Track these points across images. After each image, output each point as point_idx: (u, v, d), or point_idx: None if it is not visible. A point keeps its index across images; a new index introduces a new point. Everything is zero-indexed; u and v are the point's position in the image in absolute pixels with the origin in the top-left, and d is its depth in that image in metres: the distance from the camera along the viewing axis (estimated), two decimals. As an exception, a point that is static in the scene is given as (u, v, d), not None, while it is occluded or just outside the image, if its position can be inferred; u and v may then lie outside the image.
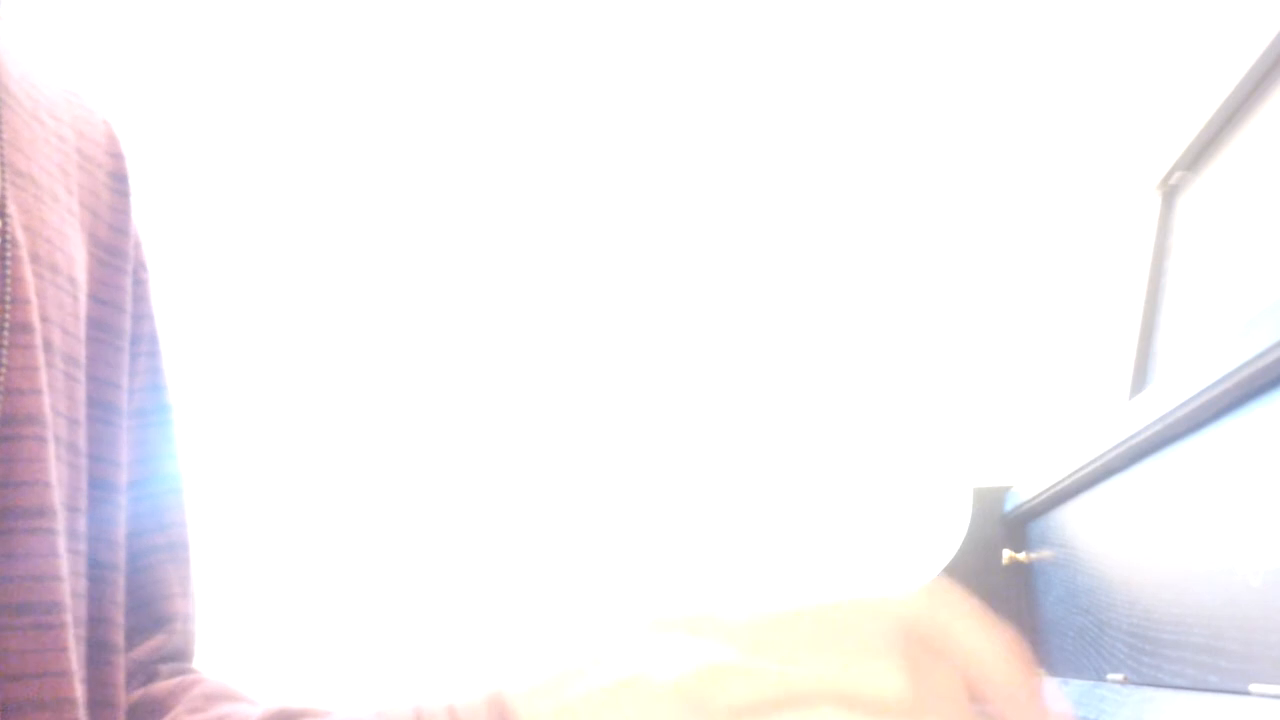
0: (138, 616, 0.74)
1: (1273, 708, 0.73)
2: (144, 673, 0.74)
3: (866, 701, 0.47)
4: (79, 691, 0.64)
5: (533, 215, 2.37)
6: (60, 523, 0.64)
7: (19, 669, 0.61)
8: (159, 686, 0.73)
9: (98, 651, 0.69)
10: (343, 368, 2.34)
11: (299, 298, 2.35)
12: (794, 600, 0.49)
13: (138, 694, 0.73)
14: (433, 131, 2.37)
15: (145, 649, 0.74)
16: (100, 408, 0.71)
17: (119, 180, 0.76)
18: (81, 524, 0.68)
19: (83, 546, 0.68)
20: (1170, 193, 1.48)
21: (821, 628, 0.48)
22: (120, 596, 0.71)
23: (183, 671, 0.75)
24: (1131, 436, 0.98)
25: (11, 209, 0.66)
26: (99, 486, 0.70)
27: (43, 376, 0.65)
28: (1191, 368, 0.85)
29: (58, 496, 0.65)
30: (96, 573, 0.70)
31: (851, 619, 0.48)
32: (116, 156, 0.76)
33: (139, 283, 0.76)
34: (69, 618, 0.64)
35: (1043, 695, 0.49)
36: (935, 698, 0.47)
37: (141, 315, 0.76)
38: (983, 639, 0.49)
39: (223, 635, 2.18)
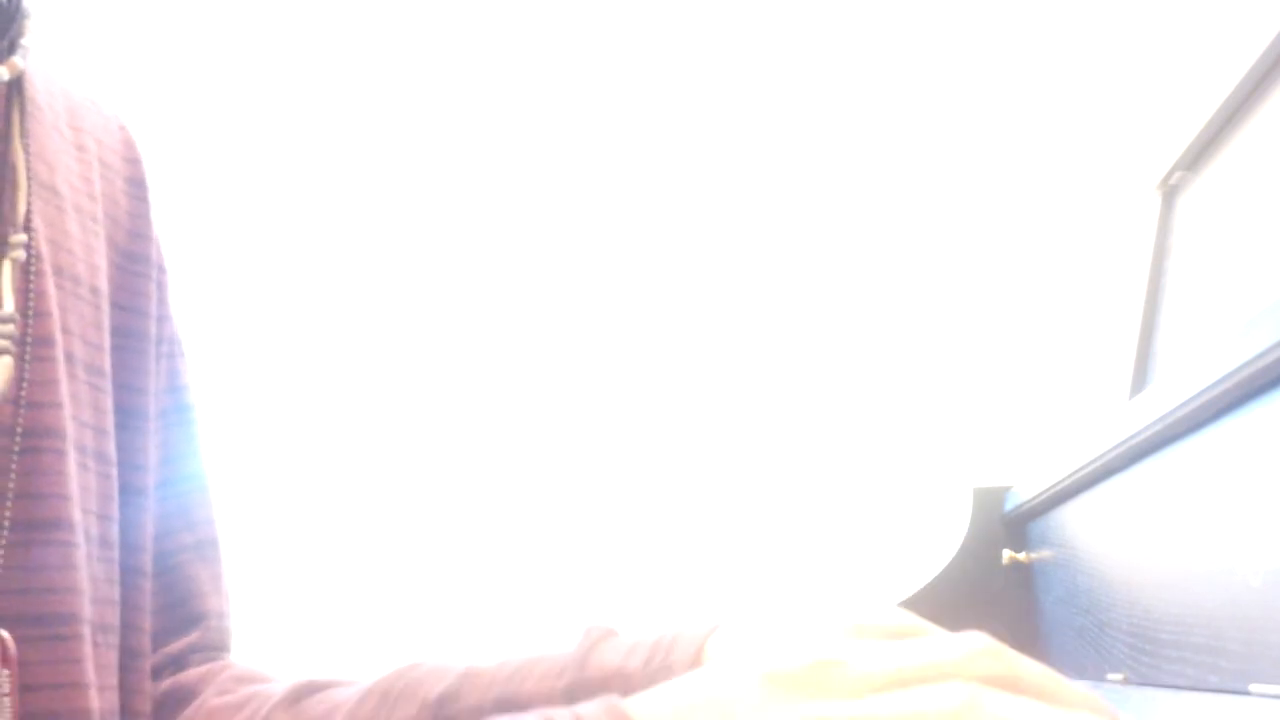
0: (171, 615, 0.75)
1: (1273, 708, 0.73)
2: (175, 664, 0.75)
3: None
4: (95, 702, 0.64)
5: (535, 217, 2.37)
6: (79, 535, 0.65)
7: (37, 679, 0.62)
8: (188, 674, 0.74)
9: (127, 659, 0.70)
10: (355, 366, 2.34)
11: (310, 297, 2.35)
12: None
13: (167, 683, 0.74)
14: (441, 135, 2.37)
15: (179, 645, 0.75)
16: (125, 414, 0.72)
17: (137, 185, 0.76)
18: (113, 532, 0.69)
19: (115, 554, 0.69)
20: (1170, 193, 1.48)
21: None
22: (146, 601, 0.72)
23: (213, 660, 0.76)
24: (1131, 436, 0.98)
25: (37, 222, 0.67)
26: (127, 492, 0.71)
27: (64, 389, 0.65)
28: (1191, 368, 0.85)
29: (79, 508, 0.65)
30: (126, 579, 0.70)
31: None
32: (134, 162, 0.77)
33: (159, 285, 0.76)
34: (86, 629, 0.64)
35: None
36: None
37: (162, 317, 0.77)
38: None
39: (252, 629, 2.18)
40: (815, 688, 0.43)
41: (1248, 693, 0.78)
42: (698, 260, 2.35)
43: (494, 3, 2.37)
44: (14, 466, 0.62)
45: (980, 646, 0.44)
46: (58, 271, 0.67)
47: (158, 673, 0.74)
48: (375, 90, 2.36)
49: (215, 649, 0.76)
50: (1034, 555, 1.43)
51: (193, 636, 0.75)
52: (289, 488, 2.31)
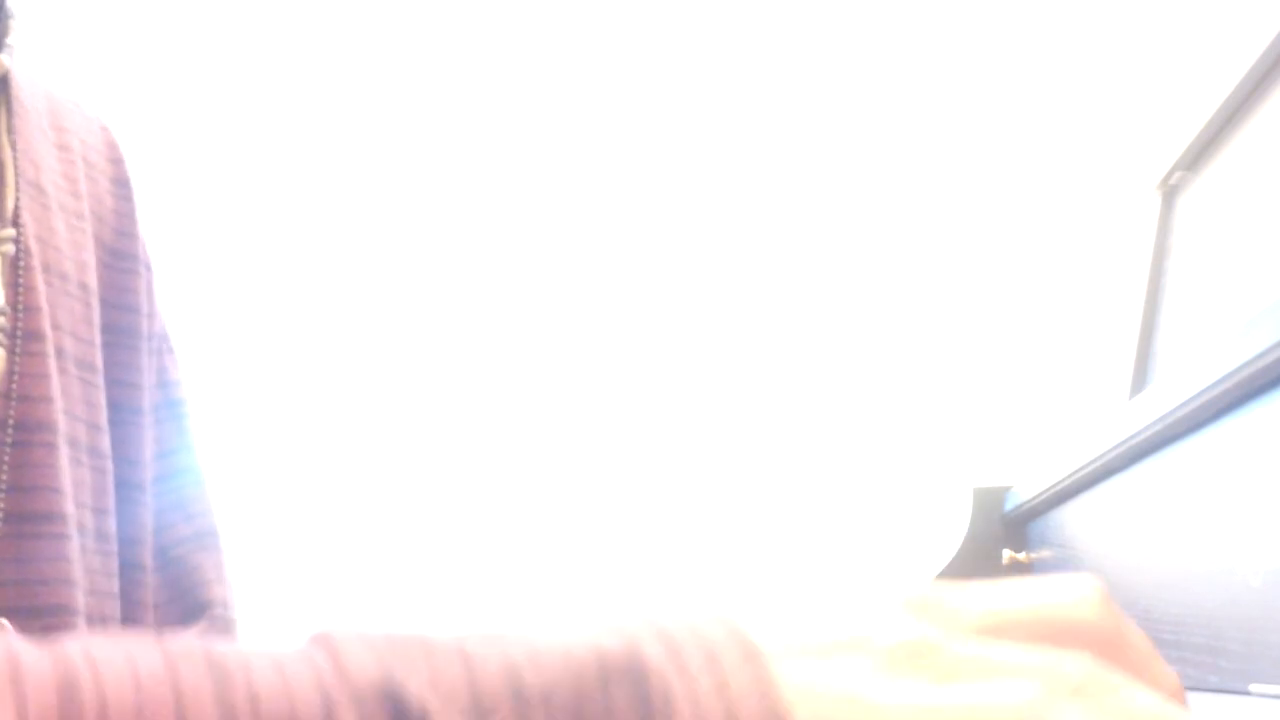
0: (178, 607, 0.75)
1: (1273, 708, 0.73)
2: None
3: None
4: None
5: (532, 215, 2.37)
6: (72, 528, 0.65)
7: None
8: None
9: None
10: (344, 363, 2.34)
11: (300, 296, 2.35)
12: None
13: None
14: (432, 132, 2.37)
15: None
16: (119, 410, 0.72)
17: (121, 185, 0.77)
18: (111, 525, 0.69)
19: (113, 547, 0.69)
20: (1170, 193, 1.48)
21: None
22: (147, 596, 0.72)
23: None
24: (1131, 436, 0.98)
25: (26, 218, 0.67)
26: (124, 487, 0.71)
27: (54, 383, 0.66)
28: (1191, 368, 0.85)
29: (72, 502, 0.65)
30: (125, 573, 0.70)
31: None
32: (117, 162, 0.78)
33: (147, 282, 0.77)
34: (80, 621, 0.65)
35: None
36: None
37: (151, 313, 0.77)
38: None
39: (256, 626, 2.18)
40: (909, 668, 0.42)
41: (1248, 693, 0.78)
42: (698, 261, 2.35)
43: (493, 3, 2.37)
44: (5, 459, 0.63)
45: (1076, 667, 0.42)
46: (46, 268, 0.68)
47: None
48: (358, 88, 2.36)
49: (222, 639, 0.76)
50: (1034, 555, 1.43)
51: (199, 627, 0.75)
52: (289, 485, 2.31)
